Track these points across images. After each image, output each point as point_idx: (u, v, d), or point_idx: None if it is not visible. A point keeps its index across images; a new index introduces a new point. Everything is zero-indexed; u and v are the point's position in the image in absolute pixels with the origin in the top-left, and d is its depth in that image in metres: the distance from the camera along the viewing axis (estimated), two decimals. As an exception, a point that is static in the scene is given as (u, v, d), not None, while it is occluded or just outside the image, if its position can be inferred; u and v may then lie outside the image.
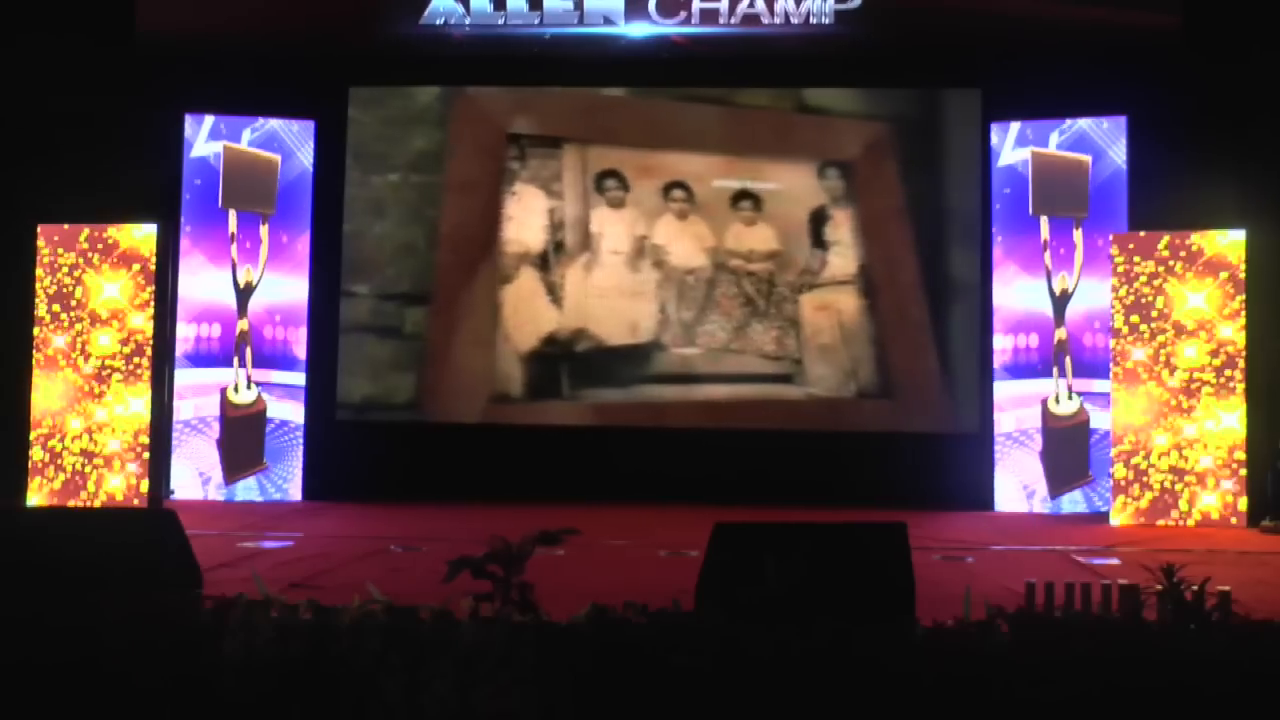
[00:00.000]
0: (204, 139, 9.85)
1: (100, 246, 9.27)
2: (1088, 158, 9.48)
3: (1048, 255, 9.53)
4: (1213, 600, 4.23)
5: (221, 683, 3.83)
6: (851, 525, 5.04)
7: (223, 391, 9.76)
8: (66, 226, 9.30)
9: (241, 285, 9.82)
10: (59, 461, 9.19)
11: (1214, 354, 8.73)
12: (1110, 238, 9.04)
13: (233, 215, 9.85)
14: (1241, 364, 8.70)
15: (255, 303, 9.82)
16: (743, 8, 9.79)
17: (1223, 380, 8.71)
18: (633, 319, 10.06)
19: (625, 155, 10.15)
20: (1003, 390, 9.56)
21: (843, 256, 10.00)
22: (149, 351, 9.24)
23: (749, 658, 3.75)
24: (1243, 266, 8.74)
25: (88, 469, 9.17)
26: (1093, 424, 9.32)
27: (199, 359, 9.77)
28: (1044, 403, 9.46)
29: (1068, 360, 9.45)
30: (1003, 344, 9.59)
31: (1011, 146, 9.63)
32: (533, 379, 10.11)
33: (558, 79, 10.19)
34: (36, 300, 9.25)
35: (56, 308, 9.25)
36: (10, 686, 3.87)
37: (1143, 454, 8.78)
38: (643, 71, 10.10)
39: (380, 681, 3.78)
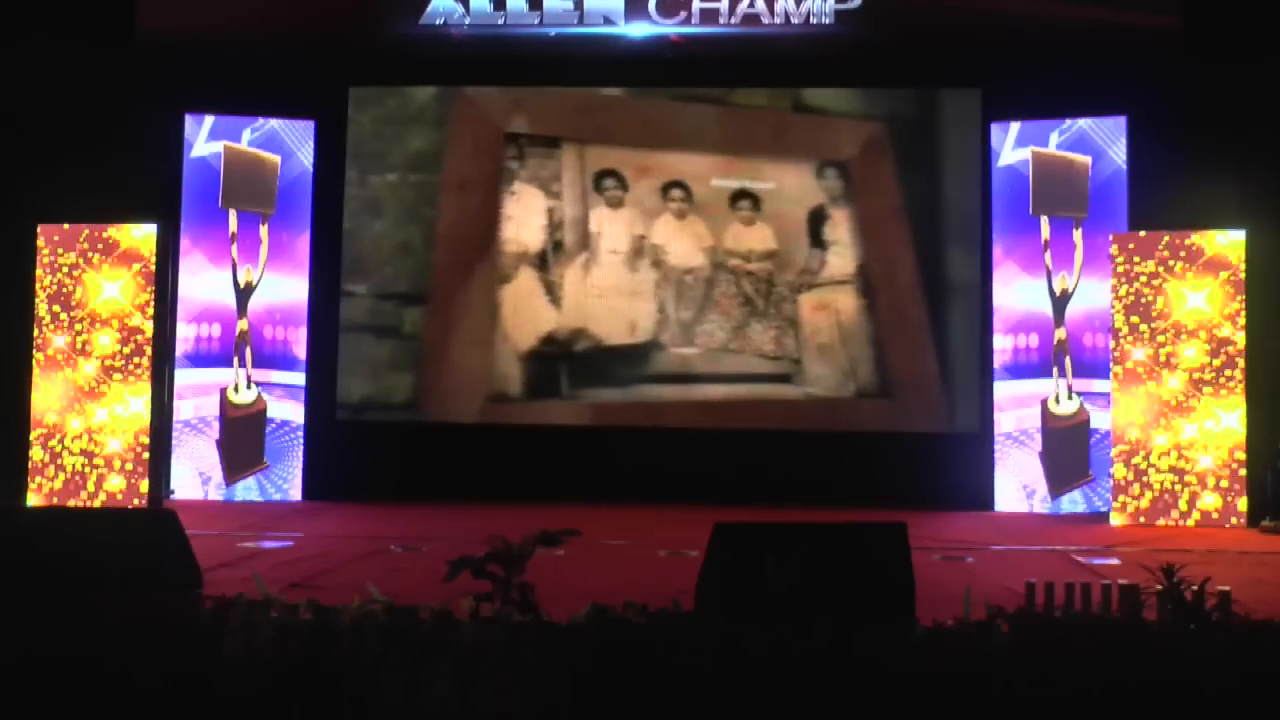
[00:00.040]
0: (204, 139, 9.85)
1: (100, 246, 9.27)
2: (1088, 158, 9.48)
3: (1048, 255, 9.53)
4: (1213, 600, 4.23)
5: (221, 683, 3.83)
6: (851, 525, 5.04)
7: (223, 391, 9.75)
8: (66, 226, 9.30)
9: (241, 285, 9.82)
10: (59, 461, 9.19)
11: (1214, 354, 8.73)
12: (1110, 238, 9.04)
13: (233, 215, 9.85)
14: (1241, 364, 8.70)
15: (255, 303, 9.82)
16: (743, 8, 9.79)
17: (1223, 380, 8.71)
18: (631, 319, 10.06)
19: (624, 155, 10.15)
20: (1003, 390, 9.57)
21: (841, 256, 10.00)
22: (149, 351, 9.24)
23: (749, 658, 3.75)
24: (1243, 266, 8.74)
25: (88, 469, 9.17)
26: (1093, 424, 9.32)
27: (199, 359, 9.77)
28: (1044, 403, 9.46)
29: (1068, 360, 9.45)
30: (1003, 344, 9.60)
31: (1011, 146, 9.64)
32: (531, 379, 10.10)
33: (557, 79, 10.19)
34: (36, 300, 9.25)
35: (56, 308, 9.25)
36: (10, 686, 3.87)
37: (1143, 454, 8.79)
38: (642, 71, 10.10)
39: (380, 681, 3.78)
